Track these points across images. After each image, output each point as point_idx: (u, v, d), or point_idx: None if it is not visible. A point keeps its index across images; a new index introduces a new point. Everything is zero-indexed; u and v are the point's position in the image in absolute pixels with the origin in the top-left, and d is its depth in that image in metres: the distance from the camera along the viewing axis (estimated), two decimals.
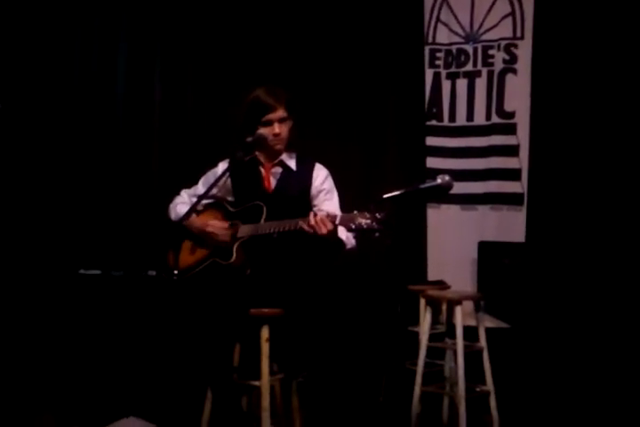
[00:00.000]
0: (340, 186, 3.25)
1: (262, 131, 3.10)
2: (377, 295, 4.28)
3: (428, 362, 3.62)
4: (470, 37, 4.45)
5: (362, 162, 4.51)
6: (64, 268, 4.42)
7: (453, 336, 3.44)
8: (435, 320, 3.68)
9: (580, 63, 4.13)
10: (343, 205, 3.17)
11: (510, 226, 4.31)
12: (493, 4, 4.40)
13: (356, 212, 2.71)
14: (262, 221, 3.04)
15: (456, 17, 4.46)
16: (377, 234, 2.67)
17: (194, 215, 3.18)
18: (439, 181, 3.01)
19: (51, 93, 4.63)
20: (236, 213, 3.20)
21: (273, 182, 3.21)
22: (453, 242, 4.41)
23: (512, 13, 4.36)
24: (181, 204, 3.32)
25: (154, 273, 4.23)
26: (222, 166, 3.25)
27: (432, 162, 4.47)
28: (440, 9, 4.48)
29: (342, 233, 2.93)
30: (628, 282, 3.91)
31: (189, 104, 4.69)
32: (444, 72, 4.49)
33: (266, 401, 2.95)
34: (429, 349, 3.56)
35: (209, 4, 4.66)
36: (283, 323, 3.00)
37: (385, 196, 2.86)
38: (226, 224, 3.15)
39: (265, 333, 2.97)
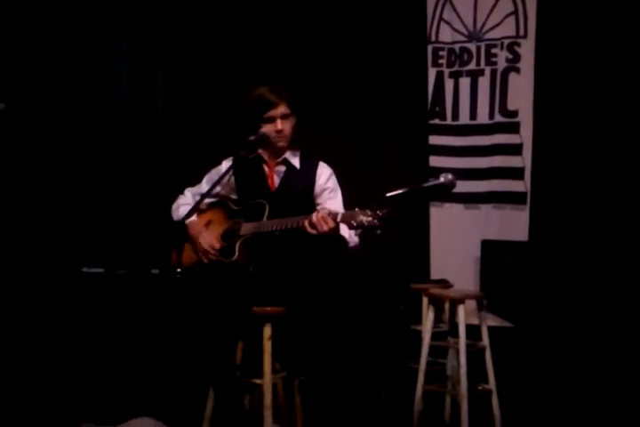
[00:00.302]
0: (344, 184, 3.24)
1: (265, 128, 3.09)
2: (380, 294, 4.29)
3: (431, 361, 3.63)
4: (473, 36, 4.45)
5: (365, 160, 4.51)
6: (67, 266, 4.43)
7: (456, 335, 3.45)
8: (437, 319, 3.67)
9: (584, 62, 4.13)
10: (346, 204, 3.15)
11: (513, 225, 4.31)
12: (496, 2, 4.40)
13: (357, 209, 2.70)
14: (265, 218, 3.03)
15: (459, 15, 4.46)
16: (378, 231, 2.66)
17: (194, 215, 3.17)
18: (442, 179, 3.00)
19: (54, 90, 4.63)
20: (238, 211, 3.19)
21: (276, 181, 3.20)
22: (456, 241, 4.41)
23: (515, 12, 4.36)
24: (184, 204, 3.29)
25: (157, 271, 4.25)
26: (226, 165, 3.23)
27: (435, 161, 4.47)
28: (443, 7, 4.48)
29: (345, 231, 2.91)
30: (631, 281, 3.90)
31: (192, 103, 4.70)
32: (446, 71, 4.49)
33: (268, 399, 2.96)
34: (432, 347, 3.57)
35: (210, 4, 4.67)
36: (285, 321, 3.00)
37: (388, 194, 2.84)
38: (217, 244, 3.09)
39: (267, 331, 2.97)
